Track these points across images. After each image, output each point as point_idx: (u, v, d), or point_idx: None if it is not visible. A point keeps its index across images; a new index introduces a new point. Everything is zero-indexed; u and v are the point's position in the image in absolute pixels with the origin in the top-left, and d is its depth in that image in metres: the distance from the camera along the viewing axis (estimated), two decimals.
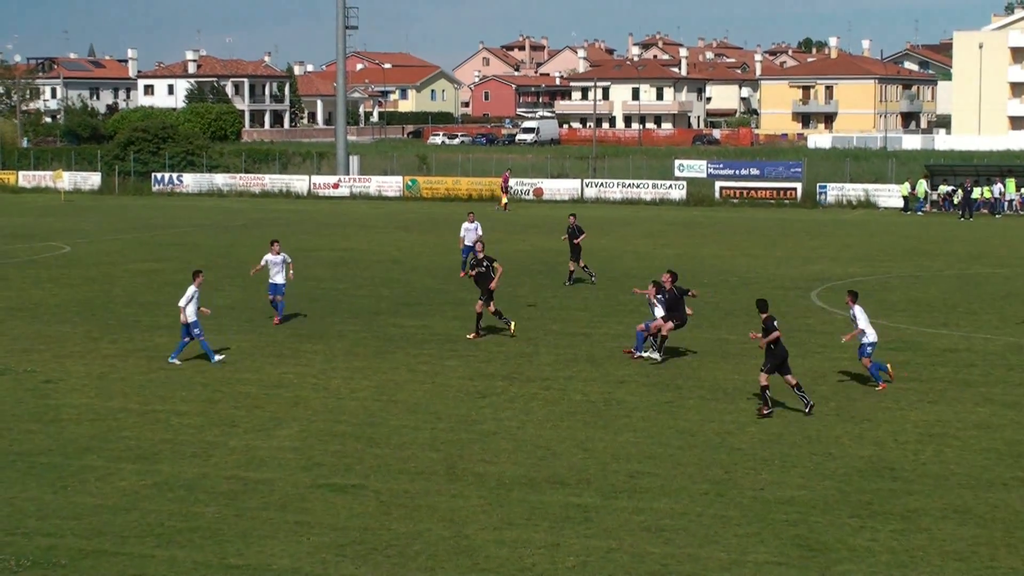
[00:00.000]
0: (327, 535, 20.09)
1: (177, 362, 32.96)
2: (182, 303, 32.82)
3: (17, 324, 39.12)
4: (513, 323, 36.56)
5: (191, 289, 32.92)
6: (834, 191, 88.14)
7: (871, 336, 30.16)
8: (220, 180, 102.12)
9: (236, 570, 18.64)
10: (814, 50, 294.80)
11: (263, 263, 38.90)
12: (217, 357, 33.24)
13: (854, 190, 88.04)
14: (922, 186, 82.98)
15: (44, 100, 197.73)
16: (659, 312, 33.29)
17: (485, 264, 35.98)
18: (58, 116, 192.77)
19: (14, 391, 30.26)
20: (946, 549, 19.49)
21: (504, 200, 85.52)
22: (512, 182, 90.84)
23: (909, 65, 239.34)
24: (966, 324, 39.19)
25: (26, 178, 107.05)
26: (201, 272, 34.17)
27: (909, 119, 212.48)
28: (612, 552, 19.34)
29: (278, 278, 38.62)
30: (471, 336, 36.43)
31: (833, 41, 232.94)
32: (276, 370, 32.55)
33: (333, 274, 50.42)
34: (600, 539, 19.89)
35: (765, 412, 27.51)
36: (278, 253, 38.65)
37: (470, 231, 47.95)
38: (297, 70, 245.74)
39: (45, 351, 35.04)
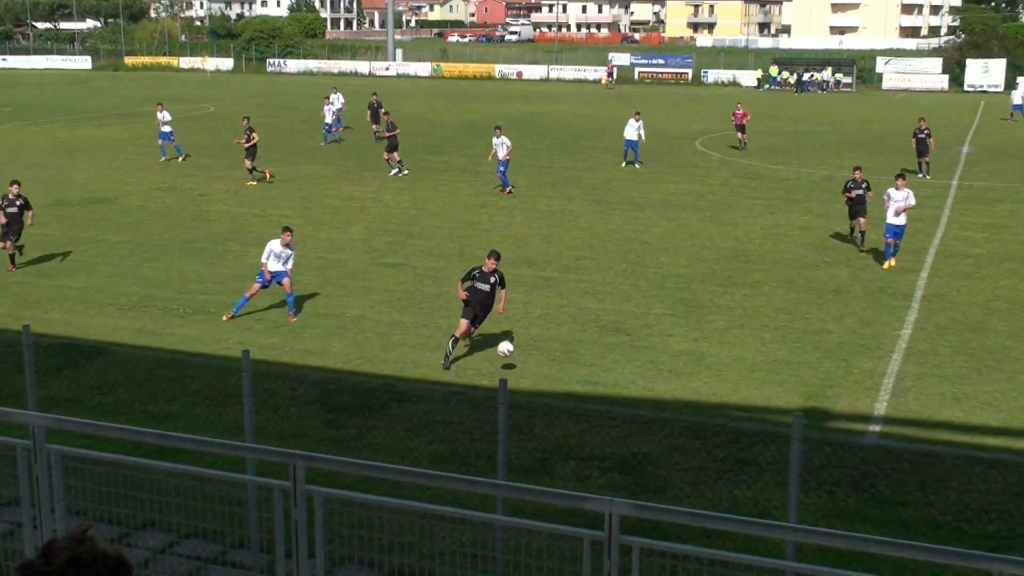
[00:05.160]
0: (382, 295, 20.20)
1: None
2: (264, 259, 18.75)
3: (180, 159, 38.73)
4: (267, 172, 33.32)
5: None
6: (712, 75, 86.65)
7: None
8: (311, 65, 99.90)
9: (325, 316, 18.81)
10: None
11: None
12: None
13: (726, 75, 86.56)
14: (774, 70, 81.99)
15: (195, 10, 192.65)
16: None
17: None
18: (204, 21, 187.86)
19: (179, 200, 30.12)
20: (778, 306, 19.69)
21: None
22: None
23: None
24: (796, 162, 38.98)
25: (184, 62, 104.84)
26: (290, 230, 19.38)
27: (764, 27, 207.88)
28: (564, 307, 19.49)
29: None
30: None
31: None
32: (348, 189, 32.37)
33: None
34: (557, 299, 20.04)
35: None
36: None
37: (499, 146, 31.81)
38: None
39: (199, 175, 34.78)
